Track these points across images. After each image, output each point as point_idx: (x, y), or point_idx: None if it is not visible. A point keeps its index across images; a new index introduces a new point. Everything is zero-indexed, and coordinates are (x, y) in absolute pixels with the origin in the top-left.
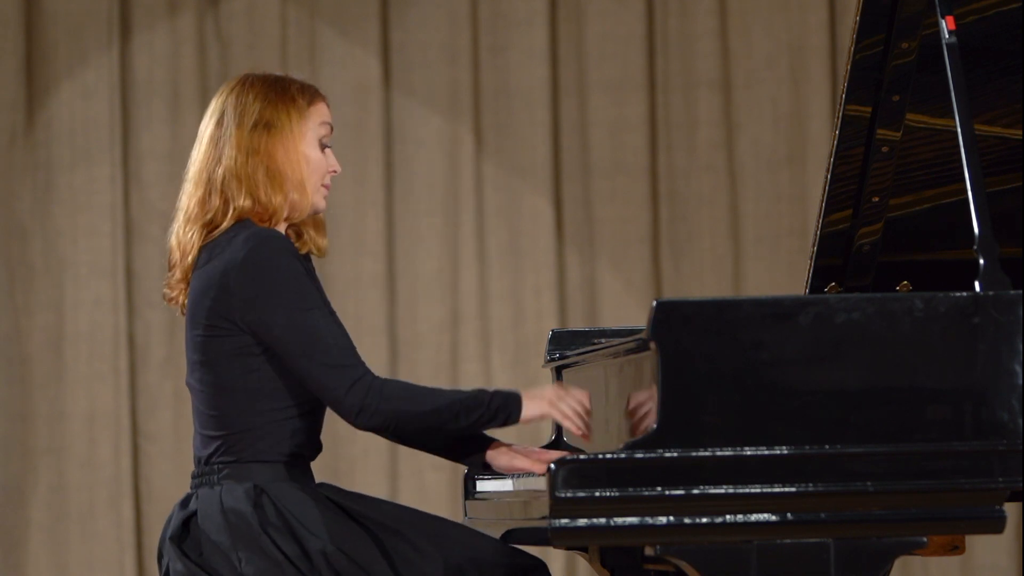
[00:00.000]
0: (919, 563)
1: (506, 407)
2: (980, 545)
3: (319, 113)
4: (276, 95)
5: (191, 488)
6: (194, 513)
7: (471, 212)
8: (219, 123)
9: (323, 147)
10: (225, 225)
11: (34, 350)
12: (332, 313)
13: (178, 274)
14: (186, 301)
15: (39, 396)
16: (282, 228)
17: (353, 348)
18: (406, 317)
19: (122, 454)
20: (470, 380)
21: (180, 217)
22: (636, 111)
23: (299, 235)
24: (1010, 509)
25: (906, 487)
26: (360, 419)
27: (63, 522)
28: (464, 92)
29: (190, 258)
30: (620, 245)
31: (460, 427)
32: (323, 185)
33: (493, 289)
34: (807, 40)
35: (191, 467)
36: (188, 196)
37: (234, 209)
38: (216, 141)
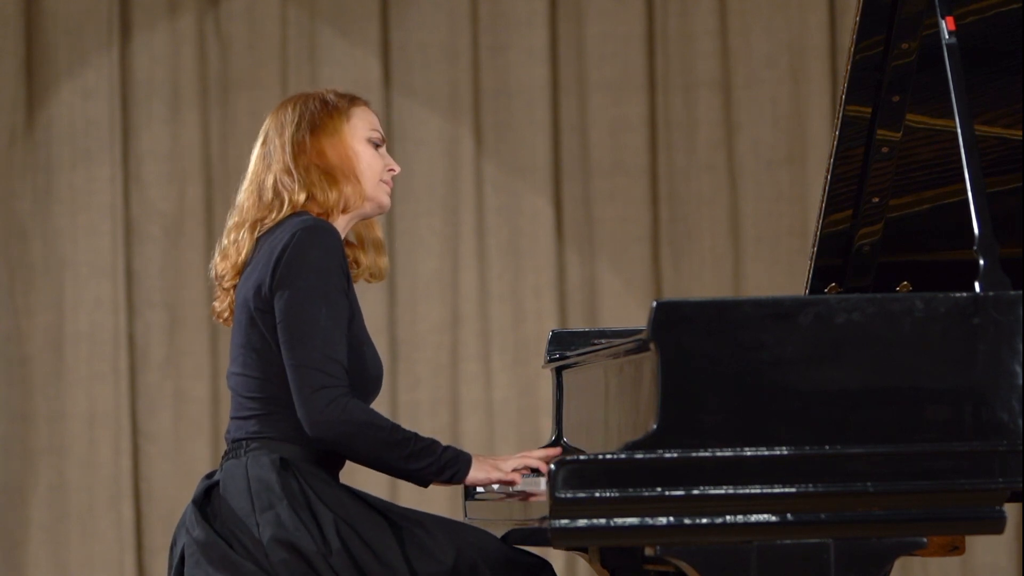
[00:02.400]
0: (919, 563)
1: (455, 463)
2: (980, 545)
3: (361, 113)
4: (314, 102)
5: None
6: (217, 483)
7: (471, 212)
8: (264, 142)
9: (376, 145)
10: (278, 217)
11: (34, 350)
12: (355, 323)
13: (229, 276)
14: (234, 303)
15: (39, 396)
16: (342, 223)
17: (340, 363)
18: (406, 317)
19: (122, 454)
20: (470, 380)
21: (227, 228)
22: (636, 111)
23: (356, 262)
24: (1010, 509)
25: (906, 487)
26: (316, 427)
27: (63, 522)
28: (464, 92)
29: (243, 256)
30: (620, 245)
31: (406, 469)
32: (383, 182)
33: (493, 289)
34: (807, 40)
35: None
36: (238, 210)
37: (290, 203)
38: (264, 157)
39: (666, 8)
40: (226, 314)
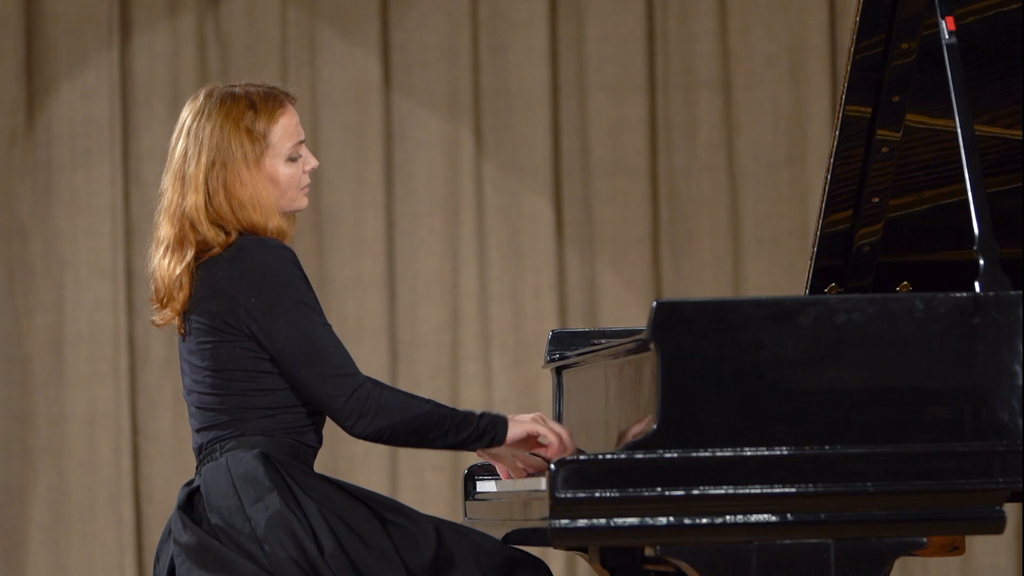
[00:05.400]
0: (919, 563)
1: (493, 428)
2: (980, 545)
3: (281, 129)
4: (231, 127)
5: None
6: (198, 488)
7: (471, 212)
8: (184, 155)
9: (295, 157)
10: (219, 244)
11: (34, 351)
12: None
13: (177, 306)
14: (183, 323)
15: (39, 397)
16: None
17: (350, 356)
18: (406, 317)
19: (122, 454)
20: (470, 380)
21: (160, 250)
22: (636, 111)
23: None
24: (1010, 509)
25: (906, 488)
26: (358, 427)
27: (63, 522)
28: (464, 92)
29: (185, 292)
30: (620, 245)
31: (448, 443)
32: (301, 189)
33: (493, 289)
34: (807, 40)
35: (191, 467)
36: (164, 231)
37: (213, 239)
38: (182, 177)
39: (666, 9)
40: (174, 322)
